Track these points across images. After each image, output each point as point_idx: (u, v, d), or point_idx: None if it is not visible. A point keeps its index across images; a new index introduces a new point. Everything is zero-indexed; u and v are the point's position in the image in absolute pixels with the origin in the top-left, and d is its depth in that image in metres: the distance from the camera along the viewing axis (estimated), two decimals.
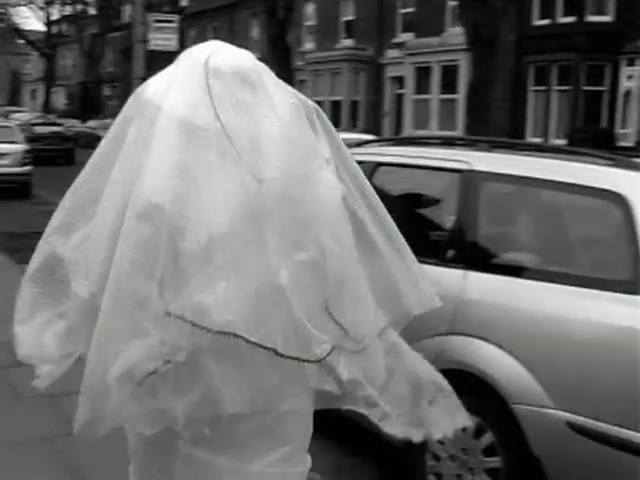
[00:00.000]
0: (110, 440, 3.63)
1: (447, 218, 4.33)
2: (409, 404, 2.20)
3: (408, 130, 27.77)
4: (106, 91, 56.73)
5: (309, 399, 2.06)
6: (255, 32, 40.93)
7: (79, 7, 56.23)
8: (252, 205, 1.86)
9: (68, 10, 56.59)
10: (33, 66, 78.11)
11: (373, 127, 31.40)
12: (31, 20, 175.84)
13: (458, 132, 23.61)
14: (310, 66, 34.50)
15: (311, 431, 2.14)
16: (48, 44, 54.82)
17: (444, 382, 2.24)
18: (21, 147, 17.58)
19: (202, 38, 45.51)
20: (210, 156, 1.87)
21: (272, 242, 1.85)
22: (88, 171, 2.02)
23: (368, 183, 2.12)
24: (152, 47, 9.57)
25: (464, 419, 2.27)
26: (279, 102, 1.97)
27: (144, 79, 8.09)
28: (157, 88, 2.01)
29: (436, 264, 3.95)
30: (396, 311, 2.13)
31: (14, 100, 74.45)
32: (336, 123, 32.38)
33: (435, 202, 4.73)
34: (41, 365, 2.01)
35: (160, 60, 10.31)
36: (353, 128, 32.21)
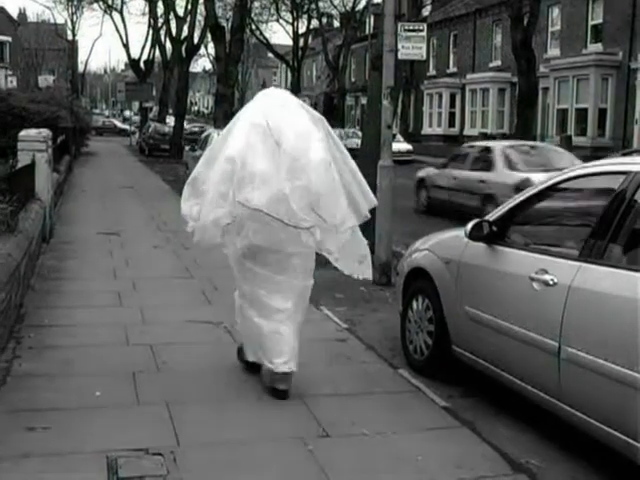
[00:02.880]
0: (359, 443, 3.74)
1: None
2: (348, 257, 5.15)
3: None
4: (349, 101, 58.29)
5: (303, 248, 4.95)
6: (498, 39, 40.29)
7: (324, 20, 58.25)
8: (275, 158, 4.76)
9: (314, 24, 58.82)
10: (280, 78, 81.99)
11: (622, 135, 29.78)
12: (279, 35, 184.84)
13: None
14: (554, 73, 33.35)
15: (312, 266, 5.20)
16: (295, 56, 57.25)
17: (369, 254, 5.31)
18: None
19: (443, 47, 45.55)
20: (259, 136, 4.83)
21: (283, 175, 4.72)
22: (215, 144, 5.34)
23: (346, 152, 5.17)
24: (402, 56, 9.66)
25: (369, 274, 5.34)
26: (292, 112, 5.03)
27: (393, 88, 8.18)
28: (246, 107, 5.26)
29: None
30: (360, 215, 5.11)
31: None
32: (583, 131, 31.07)
33: None
34: (189, 221, 5.17)
35: (400, 70, 10.38)
36: (600, 137, 30.74)
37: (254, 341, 5.27)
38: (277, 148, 4.80)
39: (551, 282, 4.39)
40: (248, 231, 4.93)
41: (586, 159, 6.06)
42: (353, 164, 5.21)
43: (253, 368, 5.44)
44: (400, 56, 9.53)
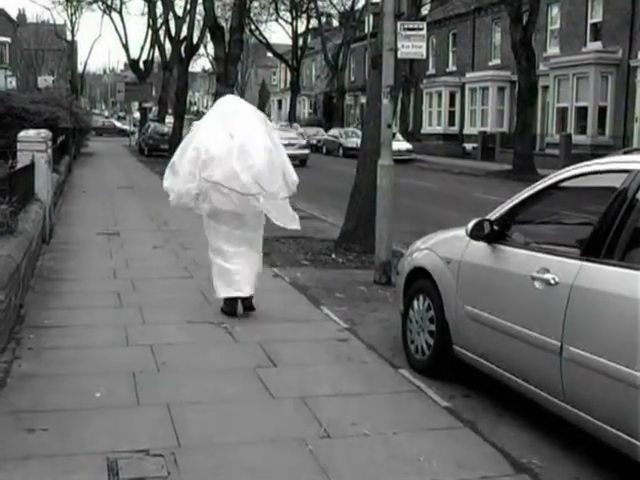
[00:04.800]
0: (360, 443, 3.69)
1: None
2: (283, 216, 7.21)
3: None
4: (348, 100, 58.26)
5: (252, 209, 7.08)
6: (497, 38, 40.27)
7: (323, 20, 58.23)
8: (229, 145, 6.91)
9: (313, 23, 58.79)
10: (279, 77, 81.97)
11: (622, 134, 29.76)
12: (278, 34, 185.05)
13: None
14: (554, 71, 33.33)
15: (261, 221, 7.38)
16: (294, 56, 57.22)
17: (296, 216, 7.35)
18: None
19: (443, 46, 45.52)
20: (219, 129, 7.04)
21: (234, 158, 6.87)
22: (187, 138, 7.48)
23: (280, 143, 7.45)
24: (401, 55, 9.61)
25: (298, 226, 7.39)
26: (243, 112, 7.35)
27: (393, 87, 8.16)
28: (209, 110, 7.76)
29: None
30: (289, 188, 7.25)
31: (262, 110, 78.55)
32: (583, 129, 31.05)
33: None
34: (170, 193, 7.32)
35: (399, 69, 10.33)
36: (600, 135, 30.71)
37: (223, 279, 7.19)
38: (231, 139, 6.90)
39: (553, 281, 4.37)
40: (211, 198, 7.01)
41: (586, 158, 6.07)
42: (284, 152, 7.41)
43: (231, 312, 7.30)
44: (400, 55, 9.49)
